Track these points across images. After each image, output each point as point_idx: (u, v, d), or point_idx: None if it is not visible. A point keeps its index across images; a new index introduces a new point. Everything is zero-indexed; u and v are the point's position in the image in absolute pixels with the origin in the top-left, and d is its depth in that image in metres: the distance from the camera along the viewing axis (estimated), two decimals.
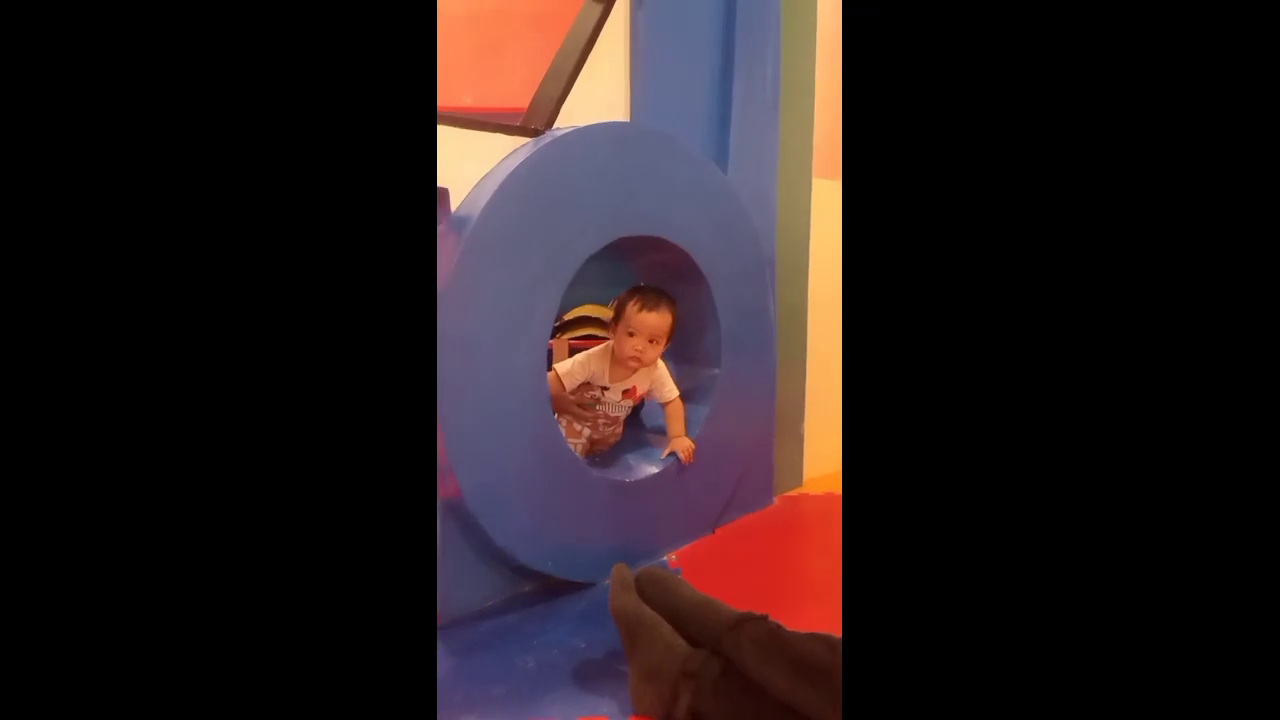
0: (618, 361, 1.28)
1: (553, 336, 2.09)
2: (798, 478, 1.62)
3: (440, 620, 1.04)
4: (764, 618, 0.89)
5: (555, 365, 1.30)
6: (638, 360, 1.26)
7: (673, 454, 1.29)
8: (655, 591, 0.96)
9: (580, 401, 1.32)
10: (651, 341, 1.25)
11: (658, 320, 1.25)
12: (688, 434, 1.32)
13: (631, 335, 1.25)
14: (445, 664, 0.95)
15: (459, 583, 1.07)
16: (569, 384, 1.29)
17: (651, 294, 1.27)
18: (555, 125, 1.17)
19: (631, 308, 1.26)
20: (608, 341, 1.33)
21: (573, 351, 1.98)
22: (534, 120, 1.18)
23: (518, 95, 1.28)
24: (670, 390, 1.34)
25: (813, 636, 0.83)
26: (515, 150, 1.09)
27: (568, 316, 2.20)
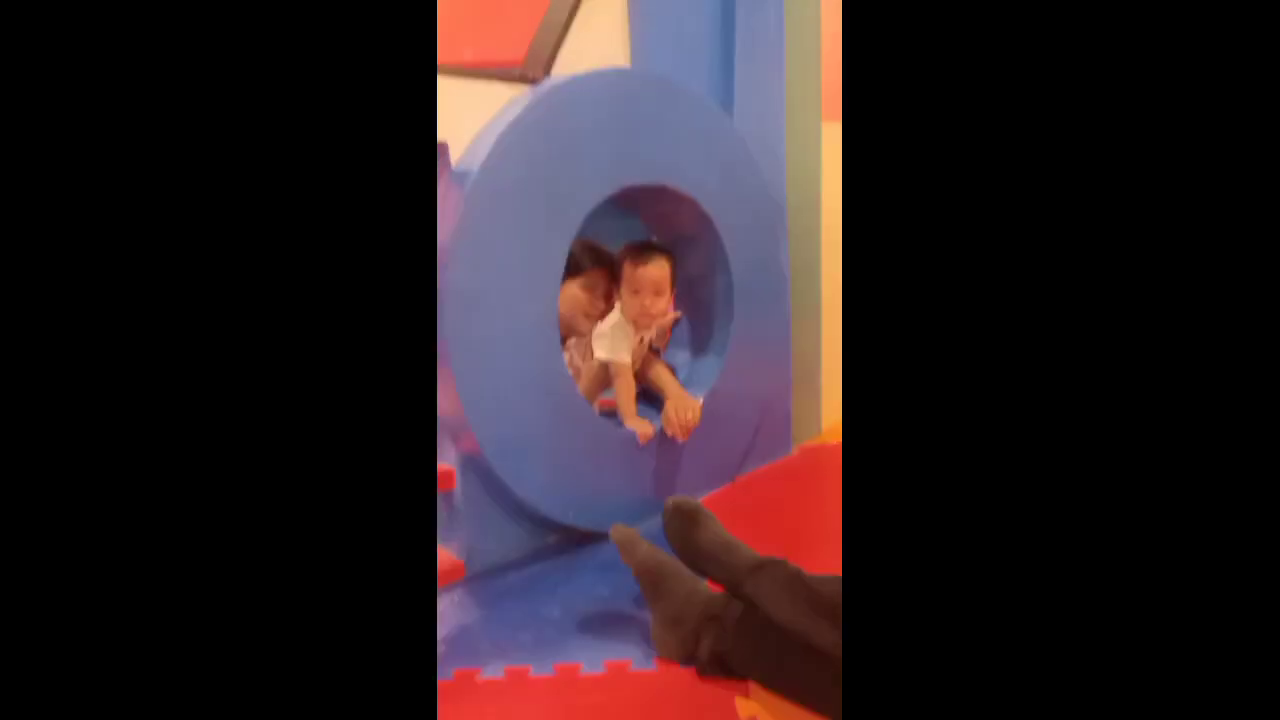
0: (633, 322, 1.27)
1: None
2: (816, 426, 1.61)
3: (468, 572, 1.06)
4: (783, 562, 0.89)
5: (605, 356, 1.25)
6: (649, 317, 1.25)
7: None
8: (682, 524, 0.94)
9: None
10: (656, 294, 1.23)
11: (656, 272, 1.22)
12: (700, 388, 1.31)
13: (636, 294, 1.23)
14: (473, 614, 0.97)
15: (483, 536, 1.08)
16: (633, 363, 1.25)
17: (642, 248, 1.24)
18: (553, 73, 1.15)
19: (628, 268, 1.23)
20: (614, 311, 1.29)
21: None
22: (531, 69, 1.16)
23: (516, 46, 1.25)
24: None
25: (833, 579, 0.83)
26: (513, 100, 1.07)
27: None
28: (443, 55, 1.09)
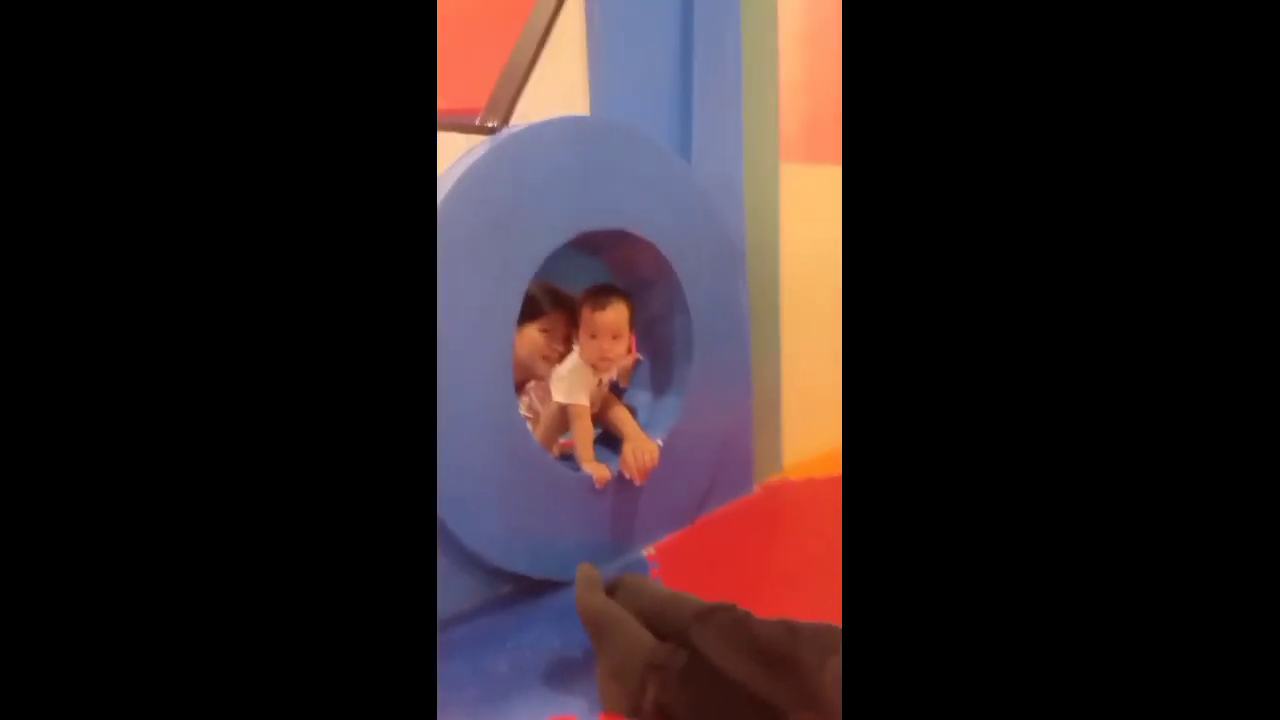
0: (593, 366, 1.27)
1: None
2: (777, 464, 1.62)
3: None
4: (731, 607, 0.89)
5: (564, 400, 1.24)
6: (607, 361, 1.25)
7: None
8: (626, 594, 0.96)
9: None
10: (615, 338, 1.24)
11: (614, 316, 1.23)
12: (660, 429, 1.31)
13: (594, 338, 1.24)
14: None
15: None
16: (592, 405, 1.26)
17: (600, 292, 1.25)
18: (512, 121, 1.16)
19: (586, 312, 1.24)
20: (573, 354, 1.29)
21: None
22: (490, 117, 1.17)
23: (476, 96, 1.26)
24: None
25: (775, 623, 0.83)
26: (471, 150, 1.08)
27: None
28: None
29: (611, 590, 0.97)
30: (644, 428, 1.36)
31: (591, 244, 1.28)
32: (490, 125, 1.14)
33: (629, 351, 1.45)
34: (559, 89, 1.28)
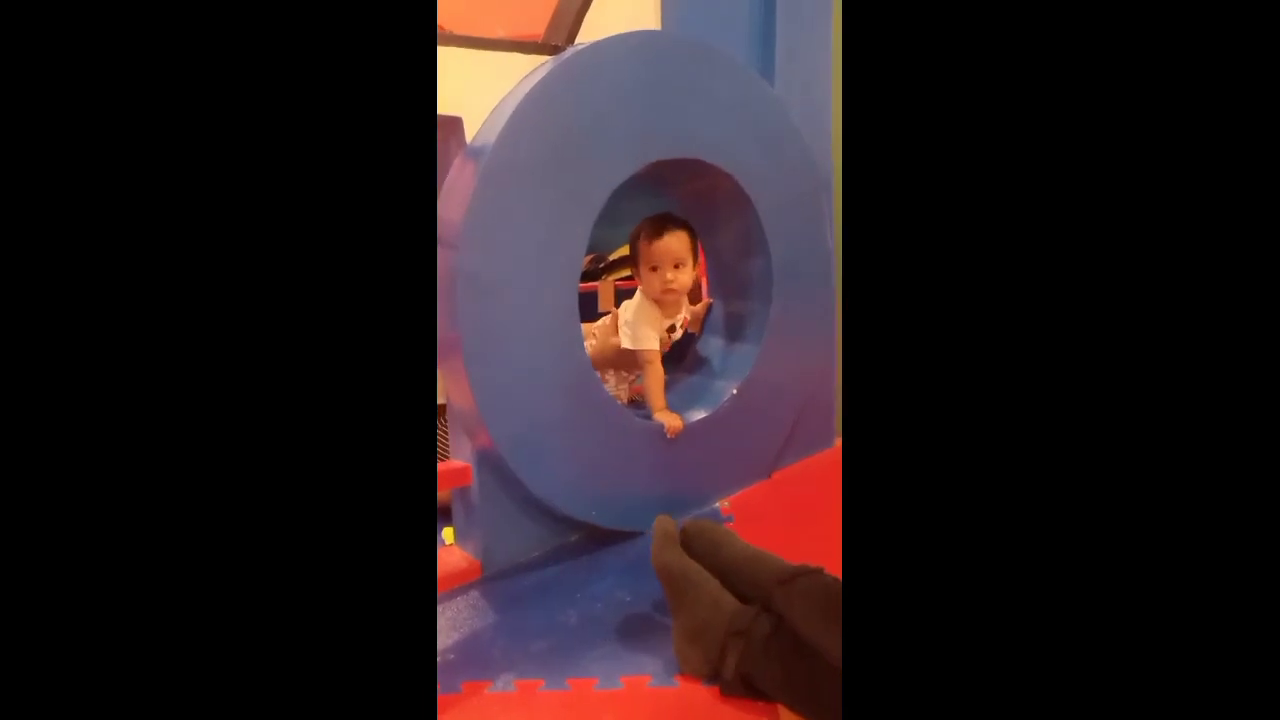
0: (658, 303, 1.19)
1: (598, 278, 2.01)
2: None
3: (485, 573, 1.02)
4: (818, 571, 0.81)
5: (631, 345, 1.20)
6: (673, 292, 1.17)
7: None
8: (702, 545, 0.89)
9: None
10: (678, 266, 1.15)
11: (674, 242, 1.14)
12: (735, 377, 1.23)
13: (655, 269, 1.15)
14: (486, 619, 0.92)
15: (501, 534, 1.03)
16: (663, 347, 1.20)
17: (655, 221, 1.17)
18: (578, 40, 1.07)
19: (643, 244, 1.16)
20: (636, 296, 1.22)
21: (619, 293, 1.89)
22: (554, 36, 1.08)
23: (542, 20, 1.17)
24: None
25: None
26: (534, 70, 1.00)
27: (612, 257, 2.11)
28: (468, 28, 1.03)
29: (686, 536, 0.91)
30: (717, 376, 1.27)
31: (661, 177, 1.19)
32: (554, 44, 1.05)
33: (702, 297, 1.36)
34: (628, 5, 1.17)
